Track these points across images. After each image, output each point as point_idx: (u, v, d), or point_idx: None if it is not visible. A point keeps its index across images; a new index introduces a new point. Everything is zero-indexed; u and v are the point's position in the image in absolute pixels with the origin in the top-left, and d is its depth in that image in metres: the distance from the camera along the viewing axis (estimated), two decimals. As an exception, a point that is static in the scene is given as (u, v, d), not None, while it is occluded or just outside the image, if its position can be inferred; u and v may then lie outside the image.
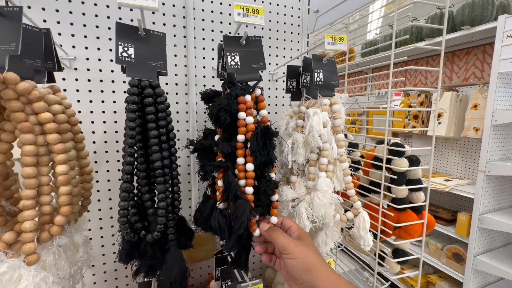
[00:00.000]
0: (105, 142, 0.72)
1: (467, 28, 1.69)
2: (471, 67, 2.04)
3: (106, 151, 0.72)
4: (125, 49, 0.46)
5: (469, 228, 1.72)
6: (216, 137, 0.56)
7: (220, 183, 0.50)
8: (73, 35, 0.66)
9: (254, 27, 0.85)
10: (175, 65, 0.77)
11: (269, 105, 0.90)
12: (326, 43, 0.55)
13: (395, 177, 0.60)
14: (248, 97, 0.51)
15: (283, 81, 0.91)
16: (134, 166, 0.48)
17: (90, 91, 0.69)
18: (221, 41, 0.54)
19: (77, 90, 0.68)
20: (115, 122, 0.72)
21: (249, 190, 0.49)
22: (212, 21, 0.80)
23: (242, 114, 0.51)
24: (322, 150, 0.57)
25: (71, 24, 0.66)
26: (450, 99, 1.97)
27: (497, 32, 1.49)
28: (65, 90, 0.67)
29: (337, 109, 0.57)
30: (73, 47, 0.67)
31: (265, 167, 0.50)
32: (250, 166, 0.49)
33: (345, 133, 0.82)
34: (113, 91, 0.71)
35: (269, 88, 0.89)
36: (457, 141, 2.16)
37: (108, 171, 0.73)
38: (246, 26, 0.49)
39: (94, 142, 0.71)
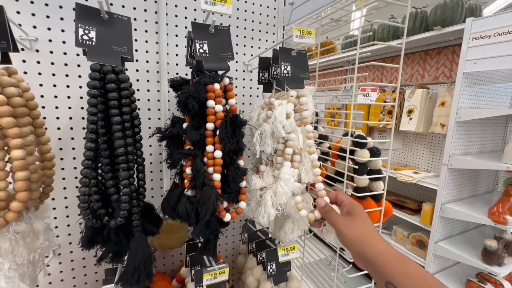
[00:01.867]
0: (71, 128, 0.70)
1: (438, 29, 1.77)
2: (441, 66, 2.15)
3: (72, 138, 0.70)
4: (86, 31, 0.44)
5: (432, 217, 1.85)
6: (184, 125, 0.56)
7: (188, 170, 0.51)
8: (33, 15, 0.63)
9: (229, 17, 0.84)
10: (146, 52, 0.75)
11: (243, 96, 0.91)
12: (294, 36, 0.57)
13: (357, 167, 0.64)
14: (217, 86, 0.52)
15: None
16: (97, 153, 0.47)
17: (53, 74, 0.66)
18: (191, 28, 0.54)
19: (39, 73, 0.65)
20: (82, 108, 0.70)
21: (217, 177, 0.50)
22: (186, 8, 0.78)
23: (211, 102, 0.51)
24: (287, 141, 0.59)
25: (31, 2, 0.62)
26: (421, 96, 2.08)
27: (464, 34, 1.58)
28: (25, 72, 0.64)
29: (304, 101, 0.59)
30: (34, 27, 0.63)
31: (234, 155, 0.51)
32: (218, 154, 0.50)
33: (315, 126, 0.85)
34: (79, 76, 0.69)
35: (243, 79, 0.90)
36: (425, 136, 2.30)
37: (74, 158, 0.71)
38: (213, 14, 0.49)
39: (58, 129, 0.68)
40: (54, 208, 0.69)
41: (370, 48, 2.24)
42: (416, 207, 2.09)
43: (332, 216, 0.49)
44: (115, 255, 0.51)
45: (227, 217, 0.51)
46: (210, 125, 0.51)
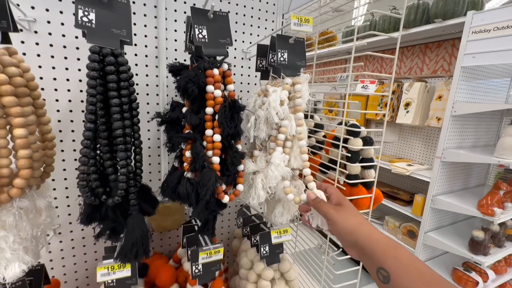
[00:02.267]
0: (70, 111, 0.71)
1: (439, 21, 1.76)
2: (440, 60, 2.16)
3: (72, 121, 0.71)
4: (86, 13, 0.45)
5: (423, 208, 1.90)
6: (184, 110, 0.57)
7: (188, 154, 0.53)
8: (31, -5, 0.62)
9: (229, 3, 0.84)
10: (145, 36, 0.75)
11: (241, 83, 0.92)
12: (292, 23, 0.57)
13: (350, 155, 0.66)
14: (216, 71, 0.53)
15: (257, 60, 0.92)
16: (96, 134, 0.49)
17: (52, 57, 0.67)
18: (191, 13, 0.54)
19: (38, 55, 0.65)
20: (81, 91, 0.71)
21: (216, 160, 0.52)
22: (185, -8, 0.78)
23: (210, 87, 0.53)
24: (280, 127, 0.60)
25: (29, -18, 0.62)
26: (419, 89, 2.09)
27: (464, 27, 1.58)
28: (24, 54, 0.64)
29: (299, 88, 0.60)
30: (32, 8, 0.63)
31: (233, 139, 0.53)
32: (217, 137, 0.51)
33: (311, 114, 0.87)
34: (78, 59, 0.69)
35: (241, 66, 0.91)
36: (421, 130, 2.32)
37: (73, 140, 0.72)
38: None
39: (58, 111, 0.69)
40: (54, 189, 0.71)
41: (370, 40, 2.23)
42: (409, 198, 2.13)
43: (324, 206, 0.50)
44: (112, 233, 0.53)
45: (226, 199, 0.53)
46: (209, 110, 0.53)
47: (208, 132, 0.51)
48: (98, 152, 0.50)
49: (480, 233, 1.64)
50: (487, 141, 2.00)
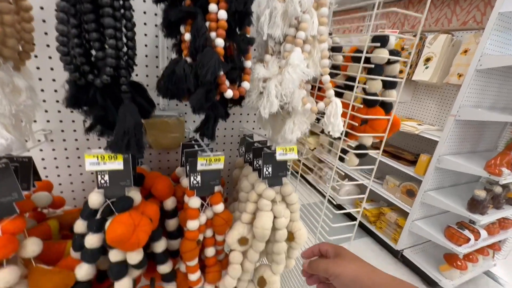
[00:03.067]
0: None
1: (483, -44, 1.53)
2: (473, 9, 1.93)
3: None
4: None
5: (427, 167, 1.87)
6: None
7: (187, 36, 0.45)
8: None
9: None
10: (145, 35, 0.65)
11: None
12: None
13: (373, 66, 0.58)
14: None
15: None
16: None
17: None
18: None
19: None
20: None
21: (220, 42, 0.44)
22: None
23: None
24: (300, 22, 0.51)
25: None
26: (443, 42, 1.91)
27: (511, -37, 1.36)
28: None
29: (325, -25, 0.49)
30: None
31: (241, 21, 0.45)
32: (222, 14, 0.43)
33: (331, 36, 0.76)
34: None
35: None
36: (437, 89, 2.19)
37: (60, 36, 0.63)
38: None
39: (40, -3, 0.59)
40: (42, 90, 0.65)
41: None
42: (413, 158, 2.10)
43: (320, 264, 0.46)
44: (103, 125, 0.48)
45: (229, 93, 0.47)
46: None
47: (212, 7, 0.43)
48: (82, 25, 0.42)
49: (482, 192, 1.62)
50: (507, 104, 1.88)
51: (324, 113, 0.58)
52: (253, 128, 0.91)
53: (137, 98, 0.48)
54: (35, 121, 0.66)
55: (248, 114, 0.91)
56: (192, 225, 0.59)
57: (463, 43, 1.84)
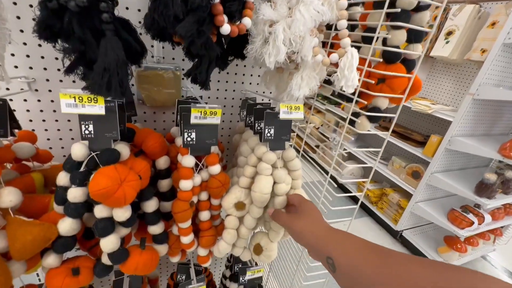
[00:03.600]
0: None
1: None
2: (508, -25, 1.74)
3: None
4: None
5: (437, 149, 1.80)
6: None
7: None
8: None
9: None
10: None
11: None
12: None
13: (399, 10, 0.49)
14: None
15: None
16: None
17: None
18: None
19: None
20: None
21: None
22: None
23: None
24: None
25: None
26: (469, 14, 1.75)
27: None
28: None
29: None
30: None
31: None
32: None
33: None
34: None
35: None
36: (455, 67, 2.05)
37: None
38: None
39: None
40: (22, 31, 0.58)
41: None
42: (422, 139, 2.02)
43: (282, 216, 0.53)
44: (84, 64, 0.42)
45: (226, 28, 0.40)
46: None
47: None
48: None
49: (492, 176, 1.56)
50: (531, 84, 1.75)
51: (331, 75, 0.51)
52: (256, 91, 0.84)
53: (122, 34, 0.41)
54: (16, 67, 0.60)
55: (251, 75, 0.84)
56: (185, 185, 0.55)
57: (491, 14, 1.68)
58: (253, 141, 0.69)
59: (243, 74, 0.82)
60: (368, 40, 0.58)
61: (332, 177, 0.75)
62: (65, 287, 0.48)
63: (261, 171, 0.58)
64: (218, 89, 0.82)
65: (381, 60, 0.55)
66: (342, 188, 2.61)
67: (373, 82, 0.55)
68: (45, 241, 0.45)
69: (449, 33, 1.86)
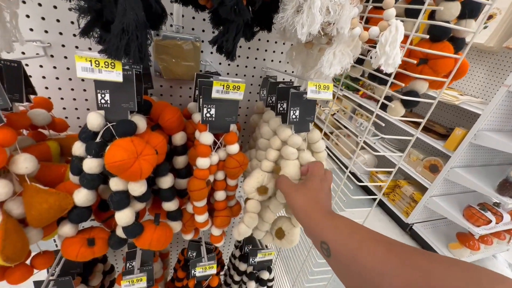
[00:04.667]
0: None
1: None
2: None
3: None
4: None
5: (460, 142, 1.70)
6: None
7: None
8: None
9: None
10: None
11: None
12: None
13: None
14: None
15: None
16: None
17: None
18: None
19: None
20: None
21: None
22: None
23: None
24: None
25: None
26: (515, -5, 1.58)
27: None
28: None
29: None
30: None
31: None
32: None
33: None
34: None
35: None
36: (491, 55, 1.89)
37: None
38: None
39: None
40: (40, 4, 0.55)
41: None
42: (444, 132, 1.92)
43: (281, 183, 0.52)
44: (101, 25, 0.39)
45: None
46: None
47: None
48: None
49: (519, 174, 1.47)
50: None
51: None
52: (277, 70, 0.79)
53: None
54: (31, 29, 0.57)
55: (274, 52, 0.78)
56: (202, 163, 0.52)
57: (541, -3, 1.51)
58: (275, 122, 0.65)
59: (266, 50, 0.77)
60: (411, 14, 0.51)
61: (345, 167, 0.71)
62: (80, 256, 0.48)
63: (287, 156, 0.55)
64: (238, 65, 0.77)
65: (427, 36, 0.48)
66: (354, 177, 2.57)
67: (415, 62, 0.49)
68: (61, 211, 0.45)
69: (489, 17, 1.69)
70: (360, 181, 2.47)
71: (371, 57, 0.49)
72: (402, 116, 0.56)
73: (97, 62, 0.37)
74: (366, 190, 2.55)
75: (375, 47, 0.47)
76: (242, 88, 0.47)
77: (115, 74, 0.38)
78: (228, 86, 0.46)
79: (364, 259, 0.32)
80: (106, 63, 0.37)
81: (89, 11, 0.37)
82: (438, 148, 1.85)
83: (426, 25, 0.52)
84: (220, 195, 0.61)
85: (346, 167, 0.73)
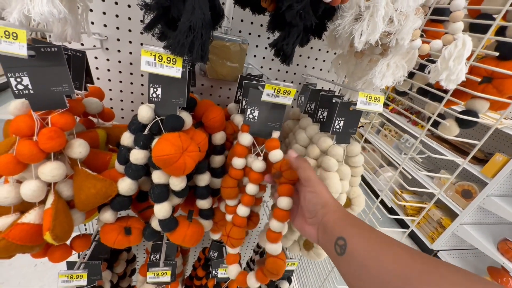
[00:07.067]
0: None
1: None
2: None
3: None
4: None
5: (500, 170, 1.58)
6: None
7: None
8: None
9: None
10: None
11: None
12: None
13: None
14: None
15: None
16: None
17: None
18: None
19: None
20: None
21: None
22: None
23: None
24: None
25: None
26: None
27: None
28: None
29: None
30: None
31: None
32: None
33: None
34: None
35: None
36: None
37: None
38: None
39: None
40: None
41: None
42: (482, 157, 1.80)
43: (308, 169, 0.46)
44: (165, 22, 0.40)
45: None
46: None
47: None
48: None
49: None
50: None
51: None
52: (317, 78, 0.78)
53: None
54: (92, 23, 0.61)
55: (316, 59, 0.77)
56: (237, 162, 0.52)
57: None
58: (312, 129, 0.64)
59: (308, 57, 0.76)
60: (476, 29, 0.49)
61: (368, 184, 0.68)
62: (117, 243, 0.50)
63: (328, 167, 0.53)
64: (278, 70, 0.77)
65: (495, 54, 0.45)
66: (375, 195, 2.46)
67: (478, 80, 0.46)
68: (105, 197, 0.46)
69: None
70: (389, 209, 2.37)
71: (428, 72, 0.47)
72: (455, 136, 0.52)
73: (160, 57, 0.38)
74: (384, 205, 2.43)
75: (429, 62, 0.45)
76: (293, 93, 0.46)
77: (175, 70, 0.39)
78: (279, 90, 0.45)
79: (387, 261, 0.31)
80: (169, 59, 0.39)
81: (157, 7, 0.38)
82: (474, 173, 1.74)
83: (490, 41, 0.49)
84: (243, 211, 0.58)
85: (369, 186, 0.70)
